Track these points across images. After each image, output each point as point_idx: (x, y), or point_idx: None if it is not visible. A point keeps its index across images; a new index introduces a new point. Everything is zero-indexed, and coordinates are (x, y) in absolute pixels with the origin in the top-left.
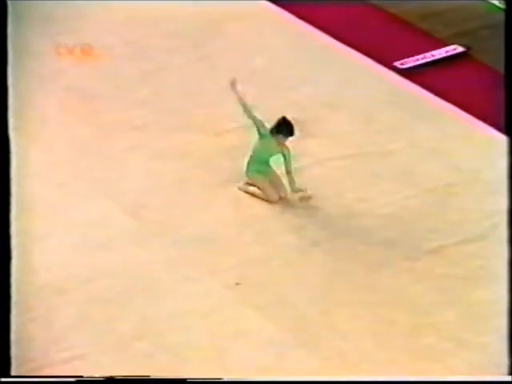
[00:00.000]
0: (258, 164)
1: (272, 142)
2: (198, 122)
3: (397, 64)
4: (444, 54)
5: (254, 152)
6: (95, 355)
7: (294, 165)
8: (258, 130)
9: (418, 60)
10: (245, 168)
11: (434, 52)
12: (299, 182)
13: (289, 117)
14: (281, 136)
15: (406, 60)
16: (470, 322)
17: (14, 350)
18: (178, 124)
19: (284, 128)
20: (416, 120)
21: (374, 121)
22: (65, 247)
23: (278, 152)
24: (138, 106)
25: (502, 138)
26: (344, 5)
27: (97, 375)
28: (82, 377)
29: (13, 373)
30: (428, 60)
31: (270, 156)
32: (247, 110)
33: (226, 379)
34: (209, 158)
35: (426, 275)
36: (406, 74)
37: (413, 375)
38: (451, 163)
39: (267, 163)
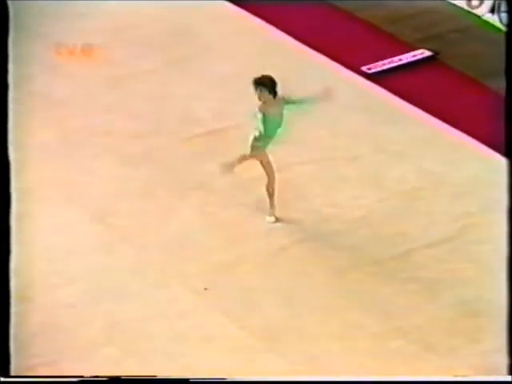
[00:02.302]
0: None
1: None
2: (166, 127)
3: (364, 68)
4: (411, 59)
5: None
6: (63, 361)
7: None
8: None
9: (385, 64)
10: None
11: (401, 56)
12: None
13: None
14: (262, 88)
15: (373, 64)
16: (438, 325)
17: None
18: (146, 129)
19: (267, 82)
20: (383, 124)
21: (341, 125)
22: (31, 254)
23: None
24: (106, 111)
25: (469, 142)
26: (311, 8)
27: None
28: (82, 377)
29: None
30: (395, 64)
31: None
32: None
33: (229, 379)
34: (176, 163)
35: (393, 279)
36: (374, 78)
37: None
38: (418, 167)
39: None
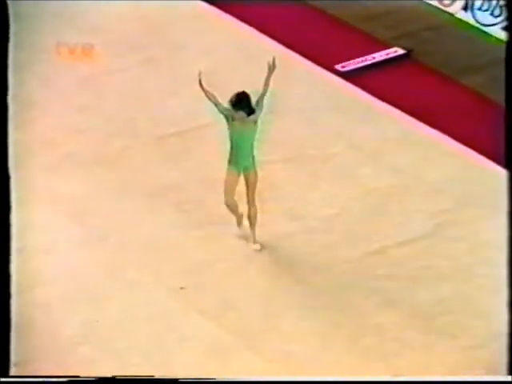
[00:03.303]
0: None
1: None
2: (139, 127)
3: (338, 67)
4: (385, 57)
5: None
6: (38, 361)
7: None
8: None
9: (359, 63)
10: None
11: (374, 54)
12: (238, 185)
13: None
14: (241, 113)
15: (347, 63)
16: (414, 321)
17: None
18: (119, 129)
19: (245, 103)
20: (357, 122)
21: (315, 124)
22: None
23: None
24: (78, 110)
25: (443, 139)
26: (286, 7)
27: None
28: (79, 377)
29: None
30: (369, 62)
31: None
32: (216, 102)
33: (218, 379)
34: (150, 162)
35: (368, 276)
36: (347, 76)
37: (357, 376)
38: (392, 165)
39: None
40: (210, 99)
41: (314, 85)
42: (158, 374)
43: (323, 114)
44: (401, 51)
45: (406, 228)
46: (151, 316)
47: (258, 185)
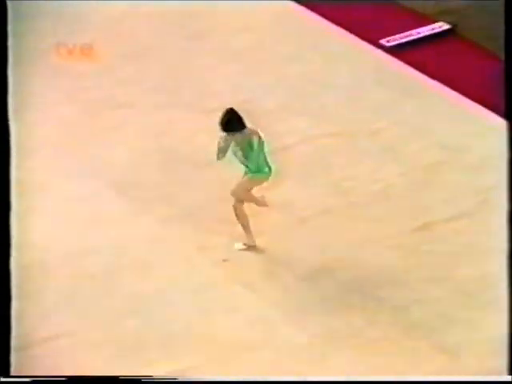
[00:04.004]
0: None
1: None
2: (184, 100)
3: (383, 42)
4: (430, 32)
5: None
6: (83, 332)
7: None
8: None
9: (404, 37)
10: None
11: (419, 29)
12: (286, 159)
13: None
14: (236, 133)
15: (392, 37)
16: (458, 298)
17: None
18: (164, 102)
19: (235, 123)
20: (402, 98)
21: (361, 99)
22: (52, 225)
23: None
24: (124, 83)
25: (488, 115)
26: None
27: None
28: (78, 377)
29: None
30: (414, 37)
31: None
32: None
33: (218, 379)
34: (194, 135)
35: (412, 252)
36: (393, 51)
37: (401, 351)
38: (438, 141)
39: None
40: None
41: (359, 60)
42: (201, 346)
43: (368, 89)
44: (446, 26)
45: (451, 204)
46: (195, 288)
47: (305, 159)
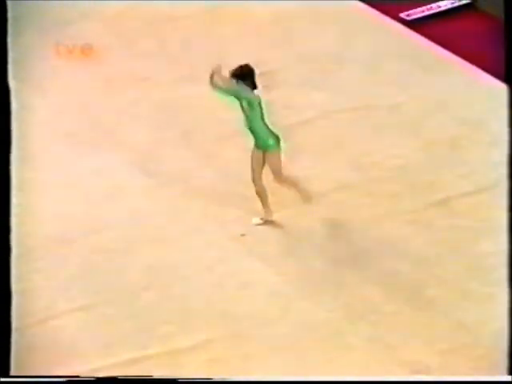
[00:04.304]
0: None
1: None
2: (203, 74)
3: (403, 15)
4: (450, 5)
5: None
6: (101, 305)
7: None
8: (248, 102)
9: (424, 11)
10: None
11: (440, 3)
12: (305, 134)
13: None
14: (244, 85)
15: (412, 11)
16: (475, 273)
17: (16, 302)
18: (183, 75)
19: (249, 78)
20: (422, 72)
21: (380, 73)
22: (70, 198)
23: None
24: (143, 57)
25: (506, 89)
26: None
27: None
28: (78, 376)
29: (14, 327)
30: (434, 11)
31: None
32: (234, 91)
33: (218, 379)
34: (214, 109)
35: (430, 227)
36: (412, 25)
37: (417, 327)
38: (457, 115)
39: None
40: (226, 90)
41: (379, 33)
42: (217, 321)
43: (388, 64)
44: (465, 0)
45: (470, 179)
46: (212, 262)
47: (322, 134)
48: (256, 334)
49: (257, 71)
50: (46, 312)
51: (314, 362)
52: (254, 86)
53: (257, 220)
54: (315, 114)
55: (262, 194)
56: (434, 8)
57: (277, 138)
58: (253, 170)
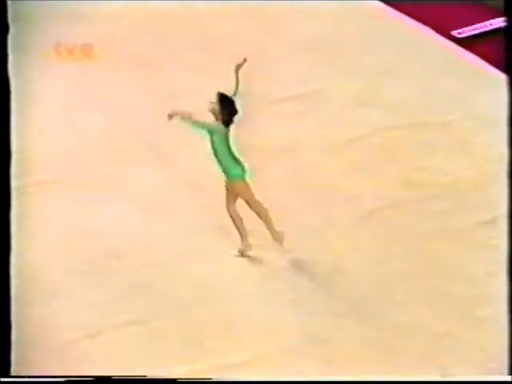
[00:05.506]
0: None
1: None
2: (254, 89)
3: (454, 33)
4: (502, 24)
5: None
6: (151, 320)
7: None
8: (213, 132)
9: (475, 29)
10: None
11: (491, 21)
12: (356, 151)
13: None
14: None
15: (463, 29)
16: None
17: (66, 316)
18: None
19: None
20: (473, 89)
21: (432, 90)
22: (121, 213)
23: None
24: (192, 72)
25: None
26: None
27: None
28: (77, 376)
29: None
30: (486, 29)
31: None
32: (199, 124)
33: (218, 379)
34: (263, 125)
35: (480, 246)
36: (464, 43)
37: (469, 346)
38: (508, 133)
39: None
40: (202, 126)
41: (431, 51)
42: (265, 340)
43: (440, 80)
44: None
45: None
46: (261, 279)
47: (373, 151)
48: (307, 351)
49: (308, 87)
50: (96, 327)
51: (365, 379)
52: (233, 113)
53: (234, 252)
54: (366, 131)
55: (235, 223)
56: (485, 26)
57: (242, 169)
58: (226, 199)
